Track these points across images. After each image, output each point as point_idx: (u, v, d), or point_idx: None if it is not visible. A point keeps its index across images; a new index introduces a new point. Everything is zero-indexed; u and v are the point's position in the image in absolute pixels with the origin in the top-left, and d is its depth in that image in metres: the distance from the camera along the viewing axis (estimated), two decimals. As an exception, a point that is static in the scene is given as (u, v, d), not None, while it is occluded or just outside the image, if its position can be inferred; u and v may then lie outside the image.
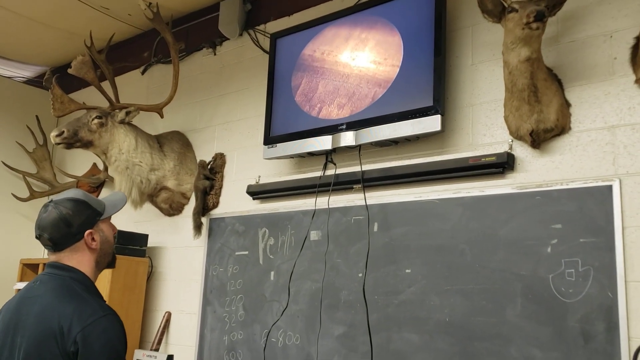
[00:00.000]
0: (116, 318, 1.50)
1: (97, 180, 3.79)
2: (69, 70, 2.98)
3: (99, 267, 1.66)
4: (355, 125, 2.53)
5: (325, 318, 2.56)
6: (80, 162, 4.18)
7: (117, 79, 3.27)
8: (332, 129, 2.61)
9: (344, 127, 2.57)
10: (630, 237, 1.91)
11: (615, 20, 2.07)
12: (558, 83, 2.14)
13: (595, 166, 2.03)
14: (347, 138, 2.55)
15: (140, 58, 3.89)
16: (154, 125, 3.57)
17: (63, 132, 2.96)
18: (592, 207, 1.99)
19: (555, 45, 2.19)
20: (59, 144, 2.97)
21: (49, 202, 1.63)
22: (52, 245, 1.59)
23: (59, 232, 1.58)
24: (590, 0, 2.15)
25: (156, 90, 3.77)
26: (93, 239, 1.62)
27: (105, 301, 1.56)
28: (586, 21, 2.14)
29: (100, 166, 3.87)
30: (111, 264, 1.71)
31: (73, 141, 3.00)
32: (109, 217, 1.71)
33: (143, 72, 3.88)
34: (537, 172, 2.16)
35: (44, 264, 3.52)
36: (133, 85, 3.90)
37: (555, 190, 2.08)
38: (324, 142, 2.63)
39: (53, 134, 2.98)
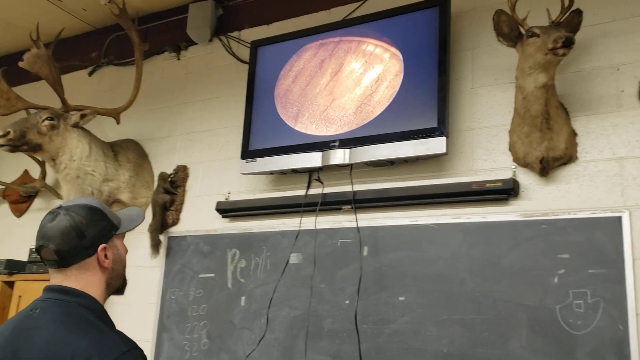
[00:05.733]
0: (141, 353, 1.24)
1: (31, 190, 3.37)
2: (20, 64, 2.63)
3: (109, 290, 1.40)
4: (349, 142, 2.40)
5: (306, 348, 2.37)
6: (8, 167, 3.70)
7: (61, 79, 2.92)
8: (322, 145, 2.46)
9: (337, 144, 2.43)
10: (641, 270, 1.90)
11: (623, 54, 2.10)
12: (565, 112, 2.13)
13: (603, 197, 2.03)
14: (339, 156, 2.41)
15: (89, 58, 3.55)
16: (104, 131, 3.23)
17: (9, 132, 2.58)
18: (600, 238, 1.97)
19: (561, 74, 2.18)
20: (2, 146, 2.59)
21: (58, 208, 1.37)
22: (58, 259, 1.32)
23: (69, 242, 1.31)
24: (596, 32, 2.17)
25: (106, 94, 3.44)
26: (106, 256, 1.37)
27: (122, 331, 1.30)
28: (592, 52, 2.16)
29: (35, 174, 3.46)
30: (121, 290, 1.45)
31: (20, 144, 2.62)
32: (124, 234, 1.46)
33: (90, 74, 3.53)
34: (542, 200, 2.12)
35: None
36: (78, 87, 3.53)
37: (562, 220, 2.05)
38: (312, 159, 2.47)
39: (-4, 134, 2.60)
